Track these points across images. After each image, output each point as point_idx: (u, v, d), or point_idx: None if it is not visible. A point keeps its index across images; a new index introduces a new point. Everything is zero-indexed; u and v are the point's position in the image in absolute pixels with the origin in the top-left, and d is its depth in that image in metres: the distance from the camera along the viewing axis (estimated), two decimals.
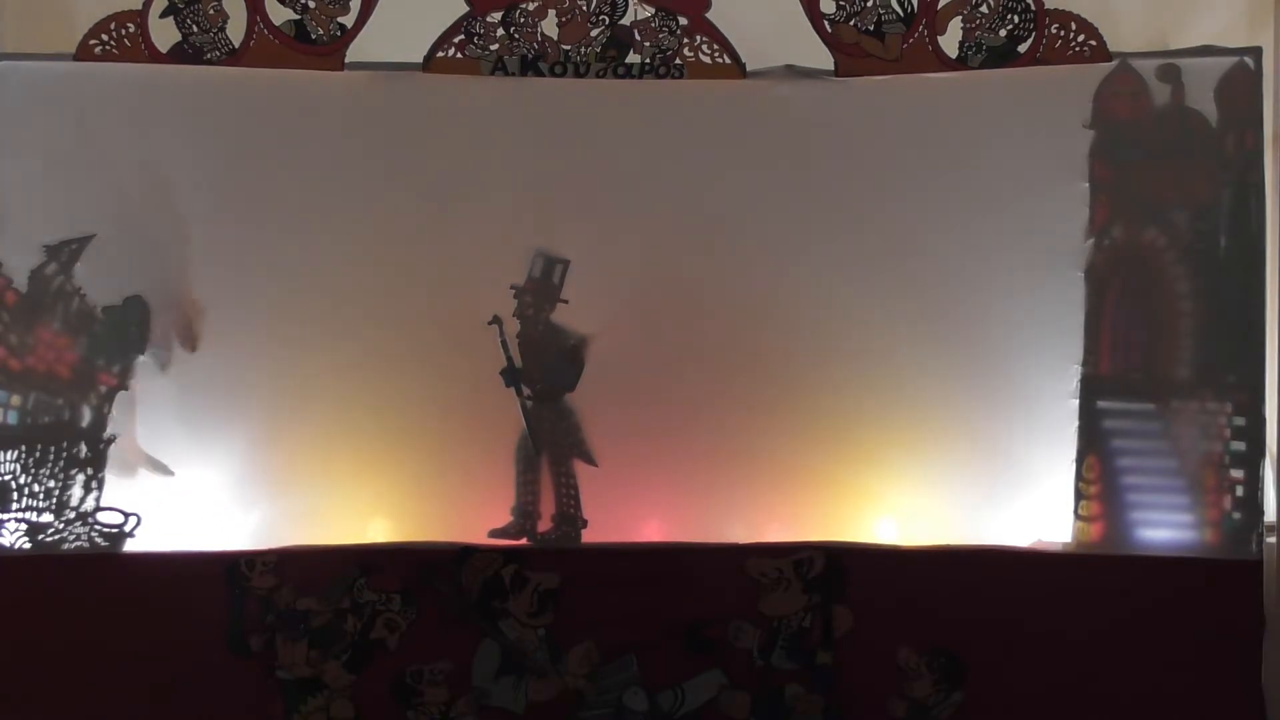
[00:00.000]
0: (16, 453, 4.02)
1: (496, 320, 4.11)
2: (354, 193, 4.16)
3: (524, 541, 4.10)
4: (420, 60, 4.17)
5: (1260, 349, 4.01)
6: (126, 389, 4.08)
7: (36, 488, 4.02)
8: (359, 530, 4.09)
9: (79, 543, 4.01)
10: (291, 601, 3.95)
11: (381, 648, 3.96)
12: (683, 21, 4.17)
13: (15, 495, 4.01)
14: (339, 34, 4.16)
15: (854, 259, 4.17)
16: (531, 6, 4.18)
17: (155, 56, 4.13)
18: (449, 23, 4.18)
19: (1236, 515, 3.99)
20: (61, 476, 4.03)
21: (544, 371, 4.14)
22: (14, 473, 4.01)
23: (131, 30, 4.13)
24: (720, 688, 3.98)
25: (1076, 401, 4.07)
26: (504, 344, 4.11)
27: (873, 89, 4.17)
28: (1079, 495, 4.06)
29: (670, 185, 4.18)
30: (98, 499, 4.03)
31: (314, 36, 4.16)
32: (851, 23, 4.17)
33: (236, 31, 4.15)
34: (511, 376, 4.12)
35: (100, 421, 4.06)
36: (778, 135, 4.19)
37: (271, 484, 4.10)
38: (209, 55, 4.14)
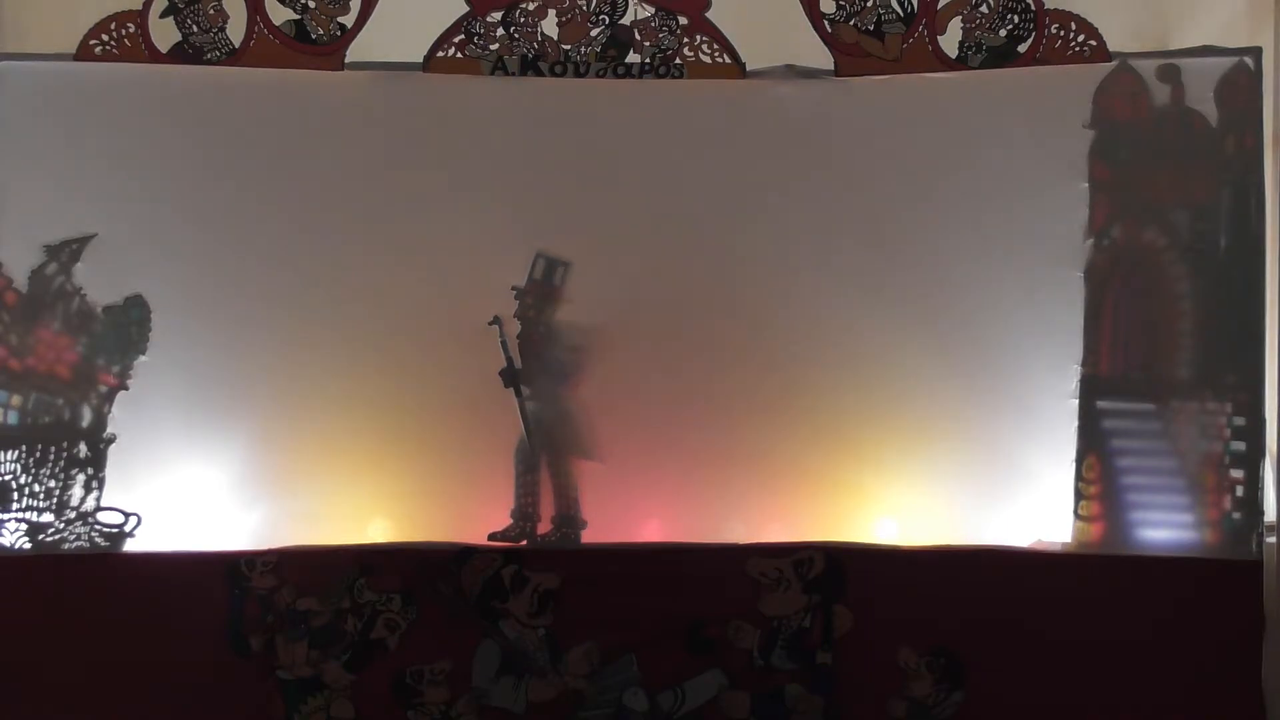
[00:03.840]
0: (16, 453, 4.02)
1: (497, 321, 4.11)
2: (354, 193, 4.16)
3: (524, 544, 4.10)
4: (420, 60, 4.17)
5: (1260, 349, 4.02)
6: (126, 389, 4.08)
7: (36, 488, 4.02)
8: (359, 530, 4.09)
9: (79, 543, 4.01)
10: (291, 601, 3.95)
11: (381, 648, 3.96)
12: (683, 21, 4.17)
13: (15, 495, 4.01)
14: (339, 34, 4.16)
15: (854, 258, 4.17)
16: (531, 6, 4.18)
17: (155, 56, 4.13)
18: (449, 23, 4.18)
19: (1236, 515, 3.98)
20: (61, 476, 4.03)
21: (544, 372, 4.14)
22: (14, 473, 4.01)
23: (131, 30, 4.13)
24: (720, 688, 3.97)
25: (1076, 401, 4.07)
26: (504, 344, 4.11)
27: (873, 89, 4.17)
28: (1079, 495, 4.06)
29: (670, 185, 4.18)
30: (98, 499, 4.03)
31: (314, 36, 4.16)
32: (851, 23, 4.17)
33: (236, 31, 4.16)
34: (511, 377, 4.12)
35: (100, 421, 4.06)
36: (778, 135, 4.19)
37: (272, 484, 4.10)
38: (209, 55, 4.14)
